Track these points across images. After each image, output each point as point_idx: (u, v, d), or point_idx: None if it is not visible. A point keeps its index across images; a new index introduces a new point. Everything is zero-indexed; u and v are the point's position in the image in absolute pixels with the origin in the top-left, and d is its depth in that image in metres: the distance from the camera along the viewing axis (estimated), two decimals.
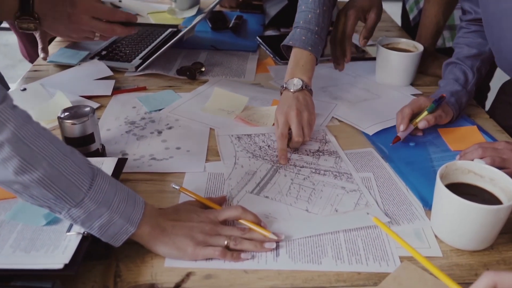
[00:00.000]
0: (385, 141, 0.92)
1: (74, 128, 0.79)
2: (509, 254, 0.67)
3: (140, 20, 1.27)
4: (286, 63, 0.99)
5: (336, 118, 1.01)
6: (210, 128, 0.96)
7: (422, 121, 0.91)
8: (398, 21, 1.66)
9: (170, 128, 0.96)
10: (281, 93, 0.94)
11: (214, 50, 1.34)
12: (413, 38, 1.22)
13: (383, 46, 1.13)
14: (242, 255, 0.65)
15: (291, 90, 0.92)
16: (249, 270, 0.63)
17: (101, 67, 1.17)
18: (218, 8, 1.66)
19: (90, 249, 0.61)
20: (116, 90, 1.09)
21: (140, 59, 1.22)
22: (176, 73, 1.17)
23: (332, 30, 1.08)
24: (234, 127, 0.97)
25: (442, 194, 0.66)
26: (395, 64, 1.13)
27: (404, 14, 1.62)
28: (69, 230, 0.63)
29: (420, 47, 1.13)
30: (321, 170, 0.84)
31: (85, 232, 0.61)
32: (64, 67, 1.19)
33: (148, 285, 0.61)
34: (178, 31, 1.38)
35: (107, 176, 0.62)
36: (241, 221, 0.69)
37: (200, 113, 1.01)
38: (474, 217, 0.64)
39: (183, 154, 0.88)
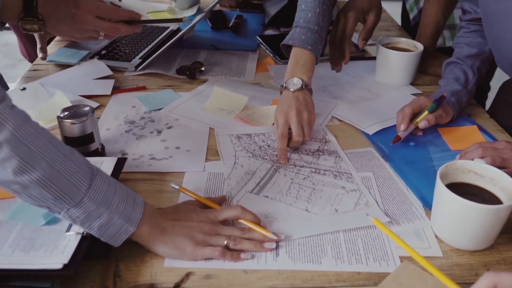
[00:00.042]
0: (385, 140, 0.92)
1: (73, 128, 0.79)
2: (510, 254, 0.67)
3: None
4: (286, 63, 0.98)
5: (336, 118, 1.01)
6: (210, 128, 0.96)
7: (422, 121, 0.91)
8: (398, 21, 1.66)
9: (169, 127, 0.96)
10: (281, 93, 0.94)
11: (214, 49, 1.34)
12: (413, 38, 1.22)
13: (383, 45, 1.13)
14: (242, 255, 0.65)
15: (291, 90, 0.91)
16: (249, 270, 0.63)
17: (100, 67, 1.17)
18: (218, 7, 1.66)
19: (90, 249, 0.61)
20: (116, 90, 1.09)
21: (139, 58, 1.22)
22: (175, 73, 1.17)
23: (331, 31, 1.08)
24: (234, 126, 0.97)
25: (442, 194, 0.66)
26: (395, 63, 1.13)
27: (404, 13, 1.62)
28: (68, 230, 0.63)
29: (420, 47, 1.13)
30: (321, 169, 0.84)
31: (84, 232, 0.61)
32: (63, 66, 1.19)
33: (148, 285, 0.61)
34: (178, 30, 1.38)
35: (106, 176, 0.62)
36: (240, 221, 0.68)
37: (200, 113, 1.01)
38: (474, 217, 0.64)
39: (182, 154, 0.88)
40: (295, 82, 0.92)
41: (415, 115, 0.92)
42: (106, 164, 0.75)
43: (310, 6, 0.98)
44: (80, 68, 1.17)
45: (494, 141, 0.84)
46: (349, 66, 1.18)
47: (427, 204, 0.75)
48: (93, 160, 0.69)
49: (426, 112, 0.91)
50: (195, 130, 0.95)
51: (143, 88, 1.11)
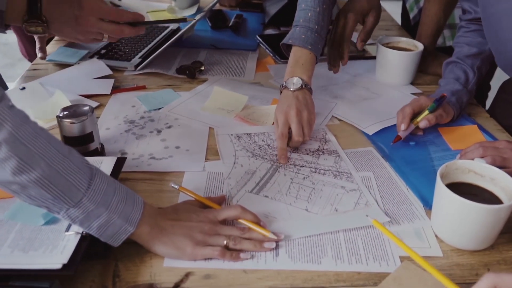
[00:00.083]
0: (385, 140, 0.92)
1: (73, 127, 0.79)
2: (510, 254, 0.67)
3: None
4: (286, 62, 0.98)
5: (336, 117, 1.01)
6: (210, 127, 0.96)
7: (423, 121, 0.90)
8: (398, 20, 1.66)
9: (169, 127, 0.96)
10: (281, 92, 0.94)
11: (213, 49, 1.33)
12: (413, 37, 1.22)
13: (383, 45, 1.13)
14: (242, 255, 0.64)
15: (291, 89, 0.91)
16: (249, 270, 0.63)
17: (100, 66, 1.17)
18: (217, 6, 1.66)
19: (89, 249, 0.61)
20: (116, 89, 1.09)
21: (139, 58, 1.22)
22: (175, 72, 1.17)
23: (331, 31, 1.08)
24: (233, 126, 0.97)
25: (442, 194, 0.66)
26: (395, 63, 1.12)
27: (404, 13, 1.62)
28: (67, 229, 0.62)
29: (420, 46, 1.13)
30: (321, 169, 0.84)
31: (84, 232, 0.61)
32: (63, 66, 1.18)
33: (147, 285, 0.60)
34: (178, 29, 1.38)
35: (105, 176, 0.62)
36: (240, 220, 0.68)
37: (200, 112, 1.01)
38: (474, 217, 0.64)
39: (182, 153, 0.87)
40: (295, 82, 0.92)
41: (415, 114, 0.92)
42: (106, 164, 0.75)
43: (310, 5, 0.98)
44: (79, 67, 1.17)
45: (494, 141, 0.84)
46: (349, 66, 1.18)
47: (427, 204, 0.75)
48: (92, 159, 0.69)
49: (426, 112, 0.91)
50: (194, 129, 0.95)
51: (143, 88, 1.11)
